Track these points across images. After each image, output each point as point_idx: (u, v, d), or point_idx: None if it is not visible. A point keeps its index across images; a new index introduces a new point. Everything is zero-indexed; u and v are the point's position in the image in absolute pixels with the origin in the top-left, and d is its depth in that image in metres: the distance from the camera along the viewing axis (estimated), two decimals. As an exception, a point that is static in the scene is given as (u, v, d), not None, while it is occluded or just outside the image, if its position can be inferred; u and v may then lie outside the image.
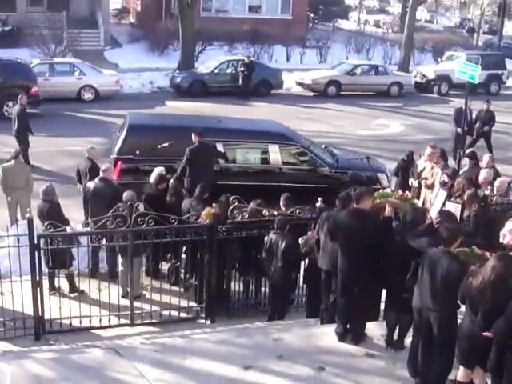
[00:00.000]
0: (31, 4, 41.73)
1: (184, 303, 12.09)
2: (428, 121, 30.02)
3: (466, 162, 16.50)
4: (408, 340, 9.84)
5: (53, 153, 21.55)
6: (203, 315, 12.08)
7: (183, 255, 12.84)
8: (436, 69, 38.69)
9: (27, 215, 10.96)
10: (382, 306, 10.50)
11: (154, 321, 11.83)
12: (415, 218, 9.86)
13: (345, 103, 32.93)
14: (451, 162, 18.08)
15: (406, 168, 16.83)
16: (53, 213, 12.35)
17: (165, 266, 13.28)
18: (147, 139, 16.64)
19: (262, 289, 12.56)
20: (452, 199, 13.11)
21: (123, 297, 12.23)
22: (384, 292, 10.43)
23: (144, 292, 12.48)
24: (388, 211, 10.39)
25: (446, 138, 23.17)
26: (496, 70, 37.86)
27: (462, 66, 20.32)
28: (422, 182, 15.86)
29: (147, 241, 11.67)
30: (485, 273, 7.81)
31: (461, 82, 23.83)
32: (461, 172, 15.88)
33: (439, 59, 43.49)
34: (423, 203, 14.95)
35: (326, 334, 10.61)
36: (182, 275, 13.15)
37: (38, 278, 10.94)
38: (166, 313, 11.89)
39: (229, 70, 34.16)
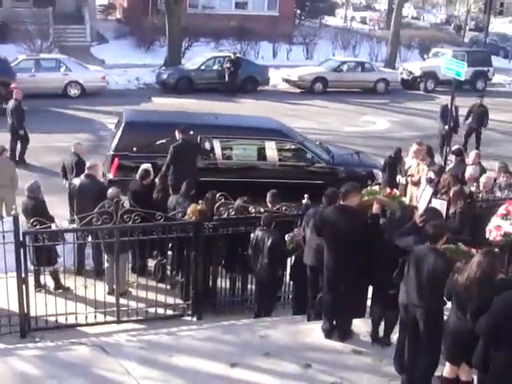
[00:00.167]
0: (17, -1, 41.54)
1: (170, 300, 12.08)
2: (414, 117, 30.07)
3: (452, 158, 16.54)
4: (394, 336, 9.86)
5: (39, 149, 21.42)
6: (189, 312, 12.06)
7: (169, 252, 12.81)
8: (422, 65, 38.78)
9: (13, 212, 10.92)
10: (369, 302, 10.51)
11: (140, 318, 11.82)
12: (404, 216, 9.86)
13: (331, 100, 32.91)
14: (438, 159, 18.10)
15: (393, 165, 16.84)
16: (38, 210, 12.30)
17: (151, 263, 13.25)
18: (144, 136, 16.60)
19: (249, 286, 12.57)
20: (438, 196, 13.14)
21: (109, 294, 12.21)
22: (370, 289, 10.44)
23: (130, 289, 12.47)
24: (375, 208, 10.38)
25: (433, 134, 23.27)
26: (482, 66, 38.08)
27: (448, 63, 20.34)
28: (409, 179, 15.88)
29: (133, 238, 11.65)
30: (470, 269, 7.82)
31: (447, 78, 23.85)
32: (447, 169, 15.92)
33: (425, 56, 43.57)
34: (410, 200, 14.97)
35: (313, 331, 10.60)
36: (169, 272, 13.13)
37: (23, 275, 10.89)
38: (152, 310, 11.88)
39: (215, 67, 34.11)
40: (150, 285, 12.07)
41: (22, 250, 10.81)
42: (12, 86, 23.83)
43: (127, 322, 11.71)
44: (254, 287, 12.22)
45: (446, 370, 8.61)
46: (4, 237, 10.69)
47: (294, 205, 12.43)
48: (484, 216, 12.22)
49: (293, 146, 17.95)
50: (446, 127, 21.63)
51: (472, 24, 65.09)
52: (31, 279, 11.72)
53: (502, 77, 42.82)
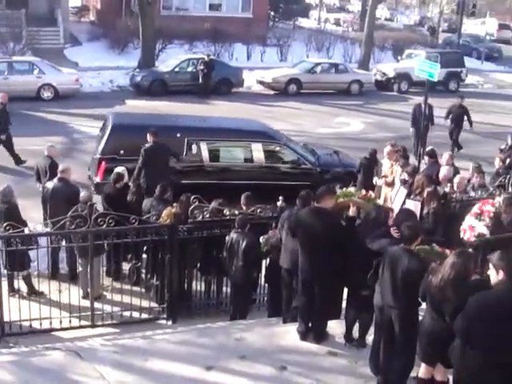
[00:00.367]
0: (-11, 2, 41.29)
1: (145, 304, 12.05)
2: (388, 119, 30.21)
3: (425, 159, 16.61)
4: (370, 338, 9.87)
5: (12, 152, 21.27)
6: (165, 316, 12.02)
7: (144, 255, 12.76)
8: (396, 67, 38.97)
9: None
10: (344, 304, 10.51)
11: (115, 322, 11.75)
12: (378, 217, 9.88)
13: (305, 101, 32.99)
14: (412, 160, 18.16)
15: (368, 166, 16.91)
16: (11, 214, 12.22)
17: (126, 267, 13.19)
18: (131, 139, 16.54)
19: (224, 288, 12.55)
20: (412, 197, 13.18)
21: (84, 298, 12.14)
22: (346, 290, 10.44)
23: (105, 293, 12.41)
24: (352, 211, 10.42)
25: (406, 135, 23.33)
26: (455, 67, 38.32)
27: (421, 65, 20.44)
28: (382, 180, 15.92)
29: (108, 241, 11.60)
30: (444, 271, 7.83)
31: (420, 79, 23.93)
32: (421, 170, 15.98)
33: (399, 57, 43.76)
34: (384, 201, 15.01)
35: (288, 333, 10.59)
36: (143, 275, 13.09)
37: (-4, 280, 10.81)
38: (127, 314, 11.83)
39: (189, 69, 34.08)
40: (124, 288, 12.01)
41: (-6, 255, 10.73)
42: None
43: (102, 326, 11.65)
44: (229, 290, 12.21)
45: (421, 370, 8.62)
46: (-24, 242, 10.61)
47: (268, 207, 12.44)
48: (458, 216, 12.29)
49: (279, 148, 18.14)
50: (411, 129, 22.65)
51: (445, 25, 65.44)
52: (4, 284, 11.63)
53: (475, 78, 43.17)
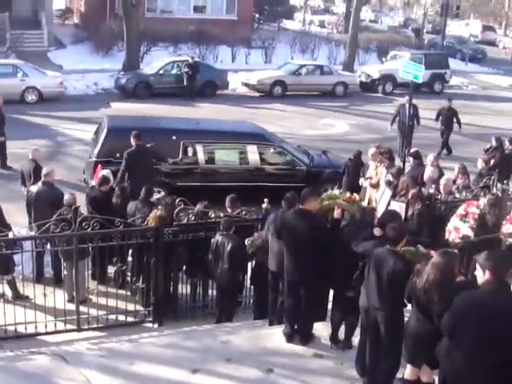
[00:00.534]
0: (-28, 4, 41.09)
1: (131, 307, 12.01)
2: (373, 120, 30.24)
3: (410, 161, 16.64)
4: (356, 339, 9.88)
5: (-4, 156, 21.18)
6: (150, 319, 11.99)
7: (129, 258, 12.73)
8: (380, 68, 39.11)
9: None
10: (330, 306, 10.52)
11: (100, 325, 11.71)
12: (364, 218, 9.90)
13: (290, 103, 33.02)
14: (397, 161, 18.20)
15: (353, 167, 16.94)
16: (-5, 218, 12.17)
17: (111, 270, 13.15)
18: (127, 142, 16.42)
19: (210, 291, 12.53)
20: (397, 198, 13.19)
21: (69, 301, 12.09)
22: (331, 292, 10.45)
23: (90, 296, 12.35)
24: (337, 214, 10.45)
25: (391, 136, 23.38)
26: (439, 69, 38.43)
27: (405, 66, 20.50)
28: (367, 181, 15.94)
29: (93, 244, 11.56)
30: (429, 272, 7.86)
31: (405, 81, 24.06)
32: (406, 171, 16.01)
33: (383, 59, 43.93)
34: (369, 202, 15.04)
35: (274, 335, 10.59)
36: (129, 279, 13.05)
37: (-20, 285, 10.77)
38: (112, 317, 11.79)
39: (174, 71, 33.98)
40: (110, 292, 11.97)
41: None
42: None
43: (88, 329, 11.60)
44: (215, 292, 12.19)
45: (407, 371, 8.64)
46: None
47: (253, 209, 12.45)
48: (443, 218, 12.33)
49: (274, 150, 18.26)
50: (389, 128, 23.14)
51: (429, 27, 65.74)
52: (-11, 288, 11.59)
53: (459, 79, 43.33)
